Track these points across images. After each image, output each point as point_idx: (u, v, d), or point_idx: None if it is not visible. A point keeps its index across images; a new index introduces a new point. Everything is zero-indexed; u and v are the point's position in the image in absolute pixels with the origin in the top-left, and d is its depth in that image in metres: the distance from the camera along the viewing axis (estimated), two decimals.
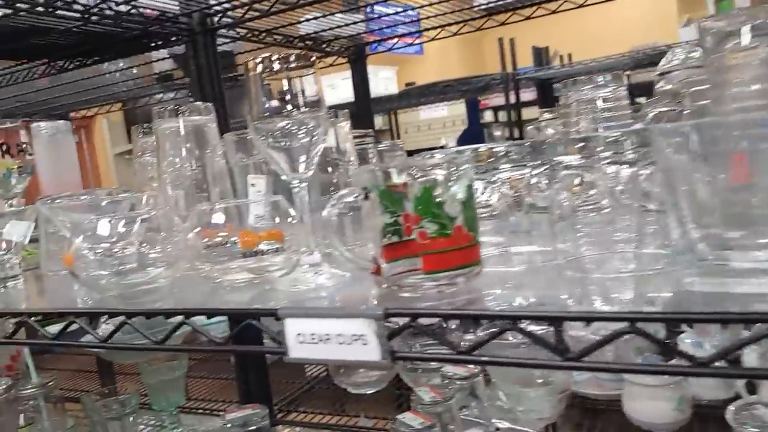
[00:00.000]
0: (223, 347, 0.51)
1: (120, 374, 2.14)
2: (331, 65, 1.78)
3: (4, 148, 1.12)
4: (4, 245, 0.82)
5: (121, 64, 1.83)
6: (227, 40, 1.49)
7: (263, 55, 0.58)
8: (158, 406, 1.30)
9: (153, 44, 1.39)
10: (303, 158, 0.60)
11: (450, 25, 1.65)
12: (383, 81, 3.46)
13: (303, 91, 0.59)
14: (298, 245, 0.64)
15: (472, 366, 1.12)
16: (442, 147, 4.12)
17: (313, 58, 0.59)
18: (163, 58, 1.64)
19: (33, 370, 1.34)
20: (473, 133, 4.08)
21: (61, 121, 1.13)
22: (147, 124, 0.96)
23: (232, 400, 1.72)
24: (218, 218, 0.64)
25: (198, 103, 0.78)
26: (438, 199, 0.47)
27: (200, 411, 1.63)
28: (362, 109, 1.78)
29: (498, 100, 4.81)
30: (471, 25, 1.63)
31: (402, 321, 0.45)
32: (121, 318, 0.55)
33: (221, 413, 1.67)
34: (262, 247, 0.62)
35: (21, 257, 0.85)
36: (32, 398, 1.30)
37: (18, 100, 2.00)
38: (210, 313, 0.52)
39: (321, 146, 0.60)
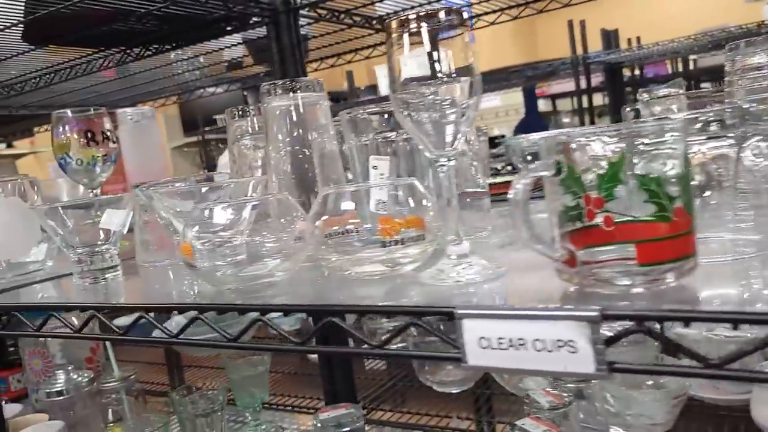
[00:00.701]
0: (378, 351, 0.44)
1: (189, 366, 2.13)
2: None
3: (89, 135, 1.09)
4: (102, 235, 0.78)
5: (189, 53, 1.79)
6: (303, 23, 1.43)
7: (408, 14, 0.50)
8: (242, 402, 1.25)
9: (231, 27, 1.35)
10: (450, 133, 0.52)
11: (535, 1, 1.55)
12: None
13: (452, 55, 0.51)
14: (436, 233, 0.57)
15: None
16: (503, 136, 3.98)
17: (465, 17, 0.51)
18: (236, 44, 1.58)
19: (114, 362, 1.31)
20: (531, 123, 3.92)
21: (147, 107, 1.09)
22: (241, 106, 0.90)
23: (307, 396, 1.68)
24: (347, 204, 0.58)
25: (310, 77, 0.71)
26: (653, 175, 0.39)
27: (281, 407, 1.58)
28: None
29: (557, 87, 4.64)
30: (558, 2, 1.53)
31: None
32: (255, 314, 0.48)
33: (302, 410, 1.63)
34: (400, 235, 0.55)
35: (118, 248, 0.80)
36: (114, 391, 1.27)
37: (88, 92, 1.99)
38: (363, 311, 0.45)
39: (472, 119, 0.52)
